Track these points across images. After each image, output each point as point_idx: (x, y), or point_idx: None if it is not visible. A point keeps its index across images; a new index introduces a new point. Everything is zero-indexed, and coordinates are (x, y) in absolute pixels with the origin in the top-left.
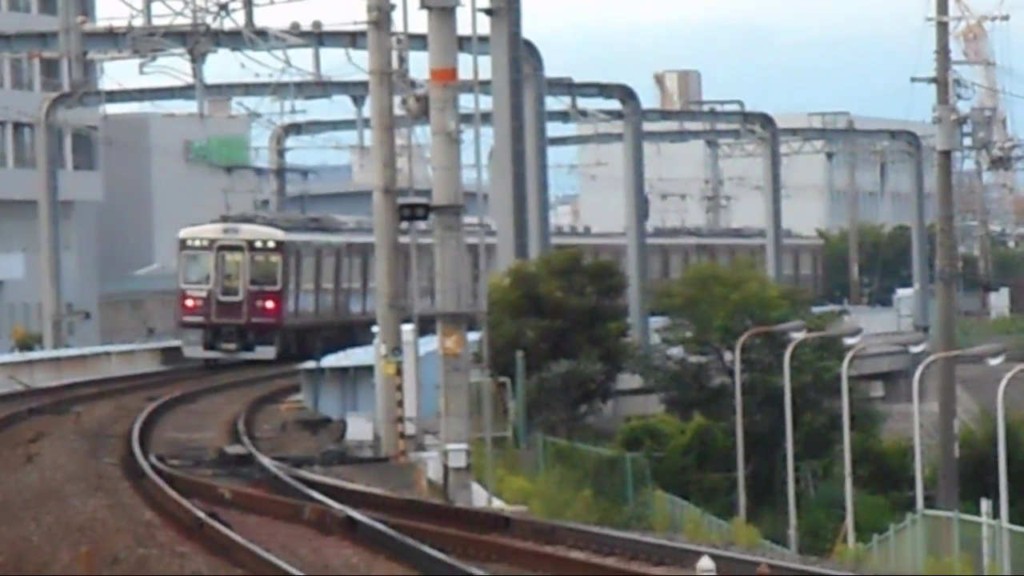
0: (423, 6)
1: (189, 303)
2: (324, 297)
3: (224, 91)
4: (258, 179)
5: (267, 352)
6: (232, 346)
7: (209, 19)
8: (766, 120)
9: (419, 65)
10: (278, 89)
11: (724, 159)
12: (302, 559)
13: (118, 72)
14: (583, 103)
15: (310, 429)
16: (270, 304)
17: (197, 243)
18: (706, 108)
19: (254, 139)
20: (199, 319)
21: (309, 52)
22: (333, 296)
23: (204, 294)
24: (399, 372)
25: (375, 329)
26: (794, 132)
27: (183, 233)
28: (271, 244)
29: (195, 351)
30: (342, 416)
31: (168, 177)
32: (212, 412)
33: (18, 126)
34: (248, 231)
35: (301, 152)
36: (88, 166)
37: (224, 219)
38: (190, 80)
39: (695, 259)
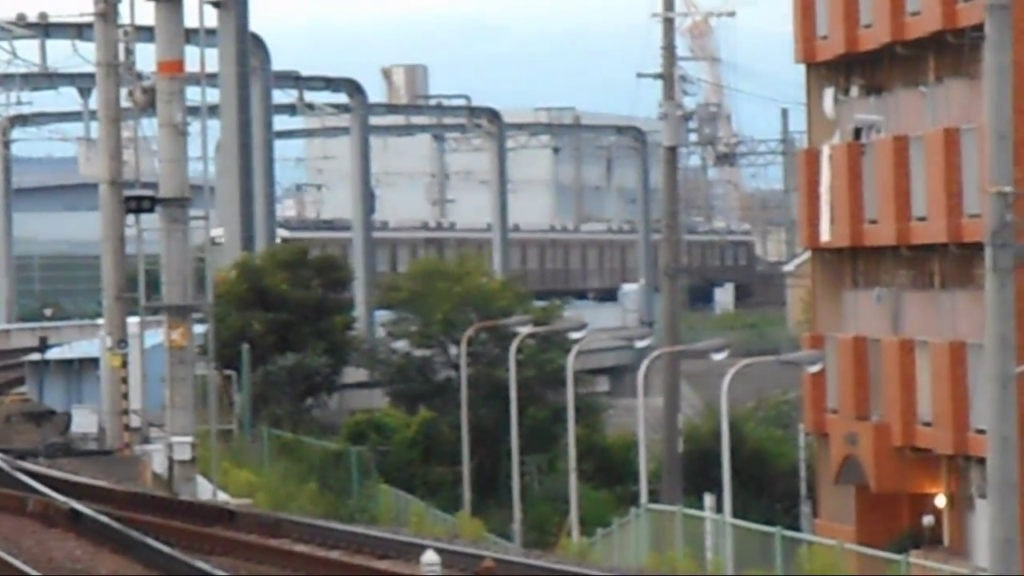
0: None
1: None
2: None
3: None
4: None
5: None
6: None
7: None
8: (493, 115)
9: (146, 57)
10: (4, 80)
11: (451, 153)
12: (26, 551)
13: None
14: (310, 97)
15: (34, 421)
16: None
17: None
18: (433, 102)
19: None
20: None
21: (35, 43)
22: None
23: None
24: (125, 364)
25: (100, 321)
26: (520, 127)
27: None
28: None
29: None
30: (67, 408)
31: None
32: None
33: None
34: None
35: (27, 144)
36: None
37: None
38: None
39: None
